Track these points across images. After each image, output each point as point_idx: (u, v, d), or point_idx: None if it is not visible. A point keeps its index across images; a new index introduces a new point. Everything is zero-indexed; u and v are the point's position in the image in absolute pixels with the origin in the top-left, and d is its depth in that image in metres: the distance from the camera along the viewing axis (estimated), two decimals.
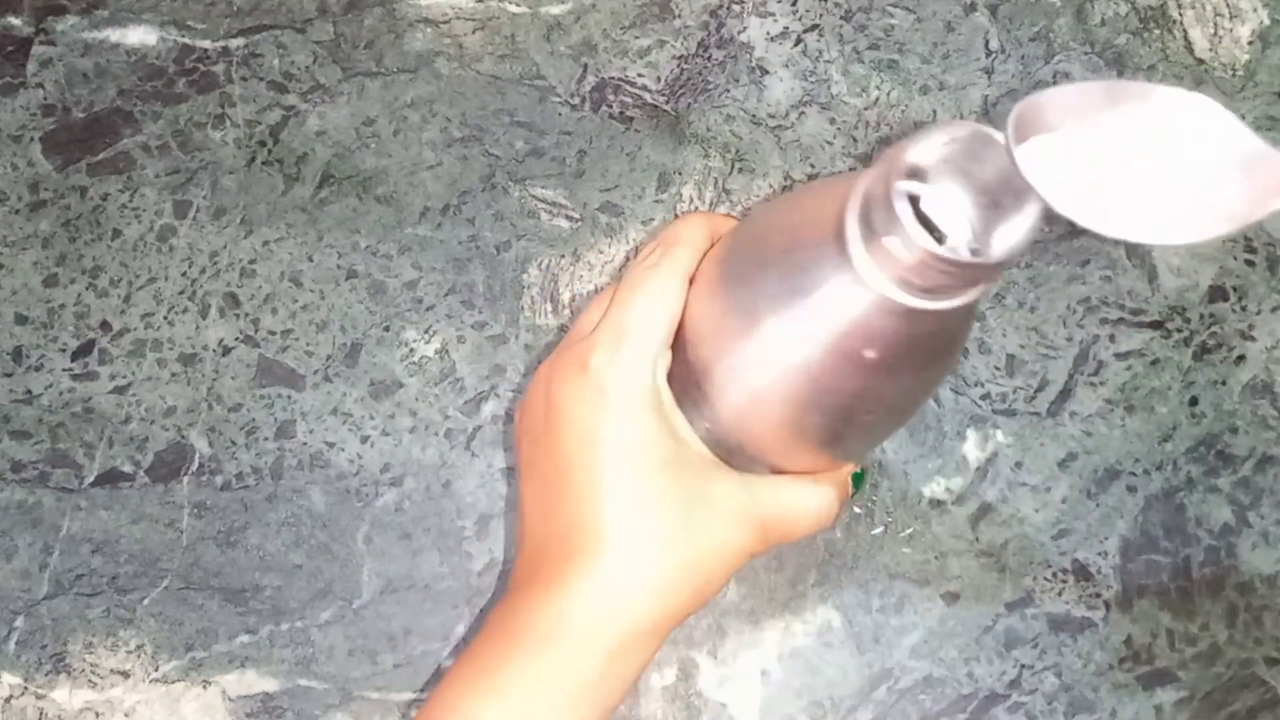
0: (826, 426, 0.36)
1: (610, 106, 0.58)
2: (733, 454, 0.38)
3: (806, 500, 0.39)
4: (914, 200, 0.31)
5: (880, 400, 0.35)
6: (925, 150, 0.29)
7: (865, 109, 0.59)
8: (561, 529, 0.37)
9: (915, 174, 0.30)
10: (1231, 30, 0.61)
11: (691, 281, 0.38)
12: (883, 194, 0.28)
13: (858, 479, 0.42)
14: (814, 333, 0.32)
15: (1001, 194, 0.29)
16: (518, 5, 0.60)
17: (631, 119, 0.58)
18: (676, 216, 0.57)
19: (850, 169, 0.58)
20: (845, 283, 0.31)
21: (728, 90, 0.59)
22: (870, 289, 0.30)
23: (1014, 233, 0.29)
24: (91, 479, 0.53)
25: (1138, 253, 0.57)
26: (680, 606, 0.37)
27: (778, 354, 0.33)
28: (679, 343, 0.38)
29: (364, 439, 0.54)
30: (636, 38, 0.60)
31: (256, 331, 0.55)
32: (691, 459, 0.38)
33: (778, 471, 0.39)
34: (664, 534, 0.36)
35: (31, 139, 0.57)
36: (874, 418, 0.36)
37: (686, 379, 0.37)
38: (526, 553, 0.39)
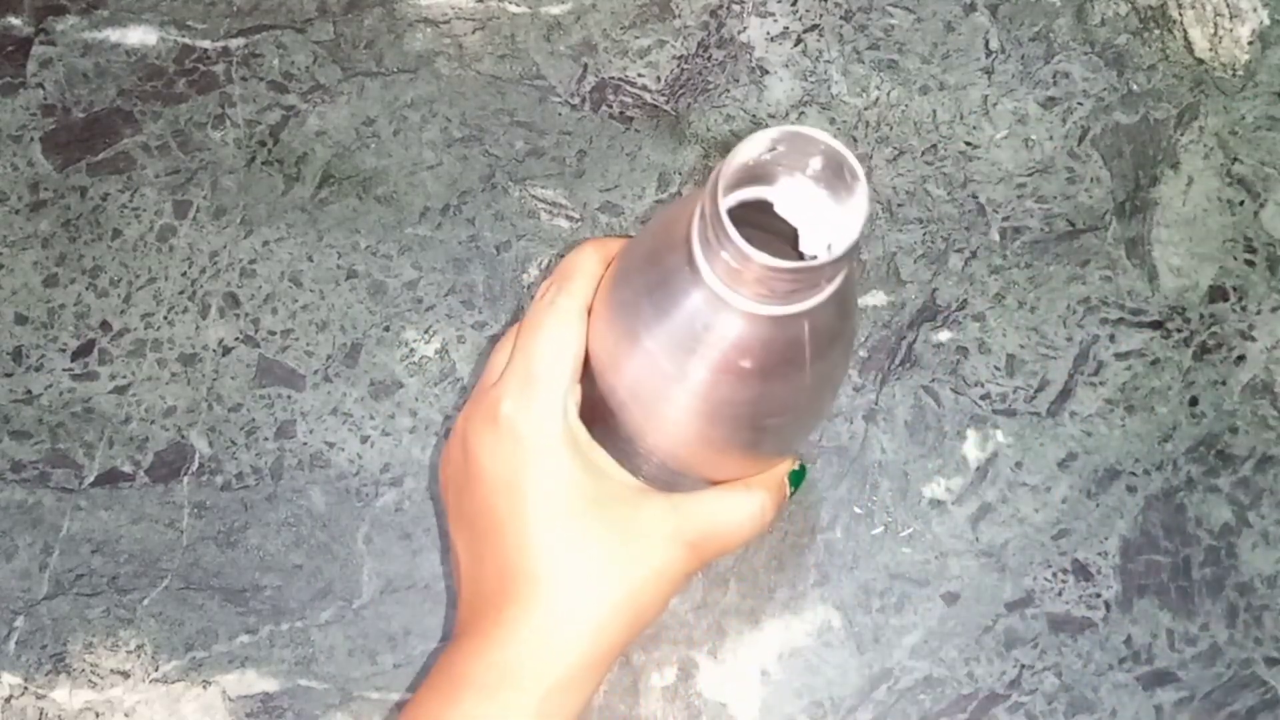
0: (737, 436, 0.36)
1: (610, 106, 0.58)
2: (660, 474, 0.38)
3: (737, 510, 0.39)
4: (768, 206, 0.31)
5: (780, 402, 0.34)
6: (746, 155, 0.29)
7: (865, 109, 0.59)
8: (495, 576, 0.37)
9: (753, 181, 0.30)
10: (1231, 30, 0.61)
11: (591, 312, 0.37)
12: (712, 212, 0.28)
13: (797, 476, 0.42)
14: (688, 352, 0.32)
15: (839, 189, 0.30)
16: (518, 5, 0.60)
17: (631, 119, 0.58)
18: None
19: None
20: (703, 301, 0.31)
21: (728, 90, 0.59)
22: (728, 305, 0.30)
23: (847, 227, 0.29)
24: (91, 479, 0.53)
25: (1138, 253, 0.57)
26: (619, 640, 0.37)
27: (664, 375, 0.33)
28: (587, 375, 0.37)
29: (364, 439, 0.54)
30: (636, 38, 0.60)
31: (256, 331, 0.55)
32: (615, 491, 0.37)
33: (712, 482, 0.39)
34: (596, 571, 0.36)
35: (31, 139, 0.57)
36: (782, 419, 0.36)
37: (601, 410, 0.37)
38: (464, 600, 0.39)
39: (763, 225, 0.30)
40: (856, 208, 0.29)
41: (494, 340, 0.55)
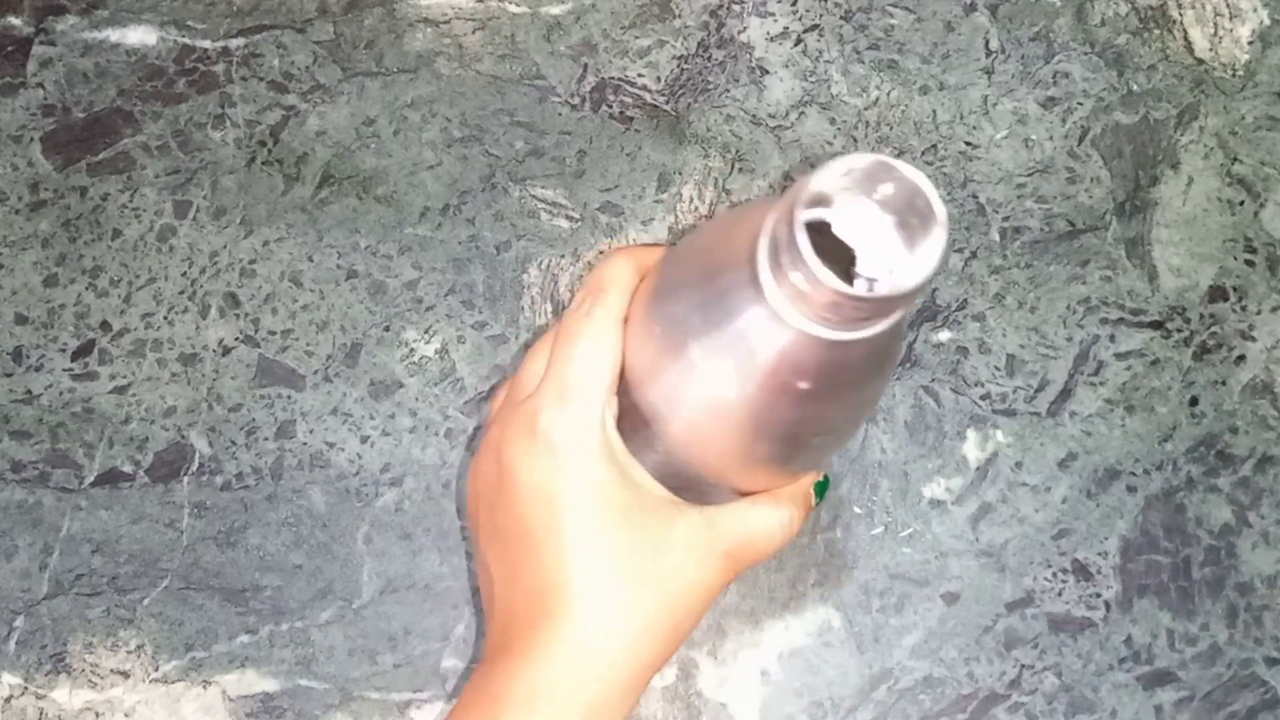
0: (776, 452, 0.36)
1: (610, 106, 0.58)
2: (692, 485, 0.38)
3: (769, 522, 0.39)
4: (826, 229, 0.31)
5: (824, 422, 0.34)
6: (824, 181, 0.29)
7: (865, 109, 0.59)
8: (530, 592, 0.37)
9: (821, 203, 0.30)
10: (1231, 30, 0.61)
11: (627, 322, 0.37)
12: (786, 233, 0.28)
13: (821, 487, 0.42)
14: (743, 370, 0.32)
15: (909, 219, 0.29)
16: (518, 5, 0.60)
17: (631, 119, 0.58)
18: (672, 223, 0.57)
19: None
20: (765, 321, 0.30)
21: (728, 90, 0.59)
22: (789, 326, 0.30)
23: (923, 260, 0.29)
24: (91, 479, 0.53)
25: (1138, 253, 0.57)
26: (658, 654, 0.37)
27: (713, 391, 0.33)
28: (623, 386, 0.37)
29: (364, 439, 0.54)
30: (636, 38, 0.60)
31: (256, 331, 0.55)
32: (651, 504, 0.37)
33: (740, 493, 0.39)
34: (633, 586, 0.36)
35: (31, 139, 0.57)
36: (822, 438, 0.36)
37: (635, 421, 0.37)
38: (497, 618, 0.39)
39: (815, 245, 0.29)
40: (935, 239, 0.29)
41: (494, 341, 0.55)
